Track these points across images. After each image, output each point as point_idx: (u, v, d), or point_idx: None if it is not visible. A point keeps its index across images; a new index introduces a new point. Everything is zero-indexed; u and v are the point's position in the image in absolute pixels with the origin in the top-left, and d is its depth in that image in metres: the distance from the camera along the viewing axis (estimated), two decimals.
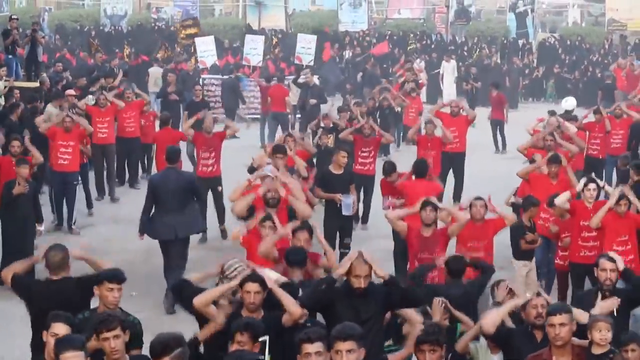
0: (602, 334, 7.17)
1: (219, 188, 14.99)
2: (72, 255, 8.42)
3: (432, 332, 6.67)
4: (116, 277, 7.63)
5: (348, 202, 13.22)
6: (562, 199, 11.52)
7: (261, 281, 7.56)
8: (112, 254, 12.04)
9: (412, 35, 36.60)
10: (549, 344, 7.02)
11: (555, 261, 12.00)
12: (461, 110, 17.93)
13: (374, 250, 13.89)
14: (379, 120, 21.16)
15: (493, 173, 14.32)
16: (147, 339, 10.31)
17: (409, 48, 34.69)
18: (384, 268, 7.87)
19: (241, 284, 7.58)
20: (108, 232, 12.86)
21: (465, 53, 34.96)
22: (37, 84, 20.58)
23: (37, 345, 7.91)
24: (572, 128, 15.42)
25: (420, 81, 25.29)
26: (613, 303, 8.11)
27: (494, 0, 42.95)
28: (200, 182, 13.74)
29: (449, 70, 31.72)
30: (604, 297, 8.31)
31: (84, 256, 8.55)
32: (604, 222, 10.95)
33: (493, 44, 36.26)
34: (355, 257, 7.52)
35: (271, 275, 8.17)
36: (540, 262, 12.40)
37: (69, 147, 15.47)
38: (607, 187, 11.91)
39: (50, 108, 17.17)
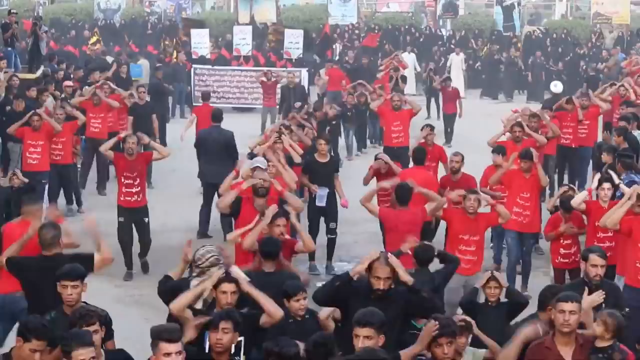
0: (601, 330, 7.15)
1: (145, 220, 13.32)
2: (85, 229, 8.72)
3: (448, 324, 6.65)
4: (68, 274, 7.45)
5: (322, 194, 13.49)
6: (578, 200, 11.27)
7: (237, 281, 7.39)
8: (112, 236, 12.63)
9: (403, 29, 37.26)
10: (553, 331, 7.00)
11: (556, 260, 11.78)
12: (404, 104, 17.89)
13: (360, 233, 14.63)
14: (354, 117, 21.73)
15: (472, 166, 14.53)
16: (146, 315, 11.09)
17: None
18: (368, 251, 7.78)
19: (216, 285, 7.36)
20: (108, 216, 13.37)
21: (453, 46, 35.54)
22: (36, 76, 21.09)
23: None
24: (546, 116, 15.83)
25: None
26: (599, 297, 8.04)
27: None
28: (121, 212, 13.14)
29: (457, 62, 32.39)
30: (590, 291, 8.16)
31: (93, 231, 8.67)
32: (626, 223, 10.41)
33: (480, 37, 36.85)
34: (377, 258, 7.41)
35: (240, 275, 8.18)
36: (514, 258, 12.60)
37: (37, 146, 15.24)
38: (622, 187, 11.44)
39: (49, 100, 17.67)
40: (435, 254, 9.55)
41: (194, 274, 8.07)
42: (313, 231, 13.53)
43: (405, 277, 7.54)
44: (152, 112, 18.79)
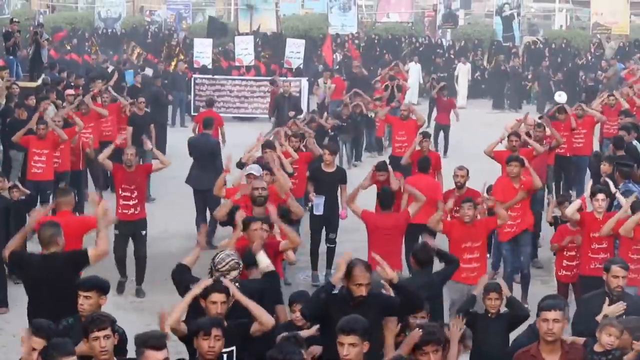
0: (611, 340, 7.23)
1: (143, 232, 12.84)
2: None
3: (433, 331, 6.56)
4: (81, 284, 7.51)
5: (317, 202, 13.43)
6: (572, 209, 11.20)
7: (227, 291, 7.27)
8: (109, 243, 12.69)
9: (403, 39, 37.36)
10: (538, 340, 6.96)
11: (559, 273, 11.80)
12: (411, 114, 17.90)
13: (358, 241, 14.57)
14: (350, 128, 21.45)
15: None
16: (147, 321, 11.15)
17: (403, 54, 35.42)
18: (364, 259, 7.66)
19: (206, 295, 7.25)
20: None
21: (452, 56, 35.67)
22: (37, 84, 21.16)
23: (33, 314, 8.38)
24: (548, 130, 15.69)
25: (403, 85, 24.99)
26: (619, 308, 8.10)
27: (482, 5, 43.63)
28: (118, 225, 12.44)
29: (464, 72, 32.57)
30: (611, 302, 8.25)
31: (100, 219, 8.84)
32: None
33: (479, 47, 36.98)
34: (356, 265, 7.35)
35: (263, 260, 8.39)
36: (511, 268, 12.56)
37: (42, 155, 14.96)
38: (618, 196, 11.61)
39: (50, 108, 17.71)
40: (435, 253, 9.60)
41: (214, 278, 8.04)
42: (315, 241, 13.59)
43: (391, 274, 7.51)
44: (150, 123, 18.85)
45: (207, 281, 7.43)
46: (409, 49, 36.08)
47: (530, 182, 12.67)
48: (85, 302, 7.36)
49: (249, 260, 8.63)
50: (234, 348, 7.06)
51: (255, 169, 11.89)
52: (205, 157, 15.18)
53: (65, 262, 8.47)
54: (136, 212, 12.66)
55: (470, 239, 10.80)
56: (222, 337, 6.68)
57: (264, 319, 7.20)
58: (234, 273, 7.94)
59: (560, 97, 20.72)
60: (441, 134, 23.36)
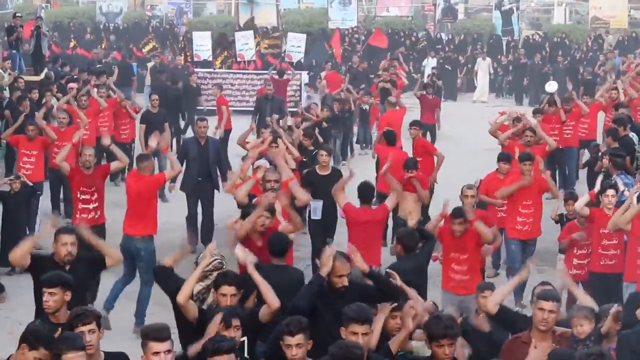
0: (584, 329, 7.30)
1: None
2: (82, 235, 8.59)
3: (451, 325, 6.55)
4: (45, 281, 7.38)
5: (315, 206, 13.13)
6: (581, 203, 11.13)
7: (237, 283, 7.43)
8: (117, 235, 12.83)
9: (403, 33, 37.46)
10: (530, 327, 7.08)
11: (569, 272, 11.16)
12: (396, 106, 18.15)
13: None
14: (341, 123, 21.20)
15: (464, 168, 14.44)
16: (151, 310, 11.37)
17: (419, 46, 35.53)
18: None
19: (217, 287, 7.47)
20: (113, 215, 13.53)
21: (451, 51, 35.79)
22: (40, 78, 21.36)
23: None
24: (533, 121, 15.78)
25: (398, 80, 24.69)
26: None
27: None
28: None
29: (483, 67, 32.68)
30: None
31: (90, 238, 8.63)
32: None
33: (479, 42, 37.10)
34: (337, 257, 7.59)
35: (240, 254, 8.41)
36: (518, 267, 12.18)
37: (32, 156, 14.70)
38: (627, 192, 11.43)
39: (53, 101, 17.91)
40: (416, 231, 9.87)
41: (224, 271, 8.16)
42: (316, 245, 12.95)
43: (363, 265, 7.74)
44: (164, 121, 18.21)
45: (211, 246, 7.89)
46: (425, 43, 36.08)
47: (545, 185, 12.55)
48: (50, 298, 7.24)
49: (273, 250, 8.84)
50: (245, 339, 7.15)
51: (263, 163, 11.96)
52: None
53: (85, 267, 8.54)
54: (96, 217, 12.05)
55: (458, 250, 10.40)
56: (240, 327, 6.83)
57: (269, 298, 7.31)
58: (216, 274, 7.98)
59: (550, 86, 20.86)
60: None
